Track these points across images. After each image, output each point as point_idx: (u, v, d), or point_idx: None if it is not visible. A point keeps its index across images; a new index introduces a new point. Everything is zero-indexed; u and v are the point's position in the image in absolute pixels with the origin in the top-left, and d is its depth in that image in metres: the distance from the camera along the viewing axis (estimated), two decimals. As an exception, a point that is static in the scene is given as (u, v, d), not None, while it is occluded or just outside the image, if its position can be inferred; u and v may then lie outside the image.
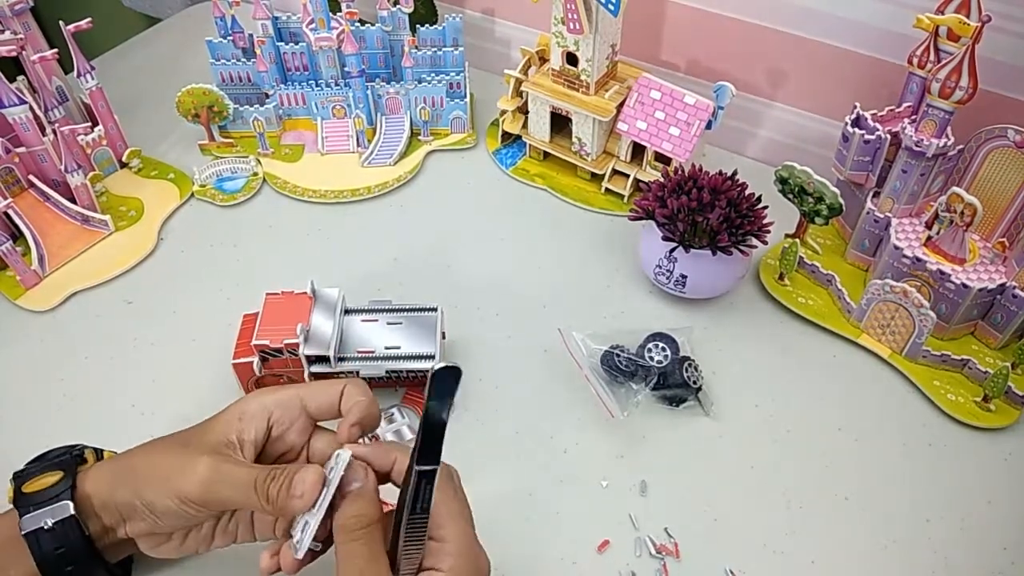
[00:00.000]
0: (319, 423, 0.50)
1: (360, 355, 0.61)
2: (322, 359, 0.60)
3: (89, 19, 0.78)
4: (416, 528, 0.41)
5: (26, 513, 0.46)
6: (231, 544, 0.50)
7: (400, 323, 0.64)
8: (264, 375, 0.62)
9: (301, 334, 0.59)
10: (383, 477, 0.46)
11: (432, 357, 0.61)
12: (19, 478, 0.48)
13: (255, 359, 0.61)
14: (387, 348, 0.62)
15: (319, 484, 0.43)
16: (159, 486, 0.45)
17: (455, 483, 0.46)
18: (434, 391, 0.38)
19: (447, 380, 0.38)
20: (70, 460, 0.49)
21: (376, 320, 0.64)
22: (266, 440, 0.48)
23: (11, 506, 0.47)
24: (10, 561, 0.46)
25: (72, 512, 0.46)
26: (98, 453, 0.52)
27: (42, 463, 0.49)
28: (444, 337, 0.65)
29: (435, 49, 0.90)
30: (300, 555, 0.43)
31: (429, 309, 0.64)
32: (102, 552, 0.48)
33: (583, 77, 0.78)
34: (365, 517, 0.42)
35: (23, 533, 0.46)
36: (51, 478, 0.48)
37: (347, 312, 0.64)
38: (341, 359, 0.61)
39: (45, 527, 0.46)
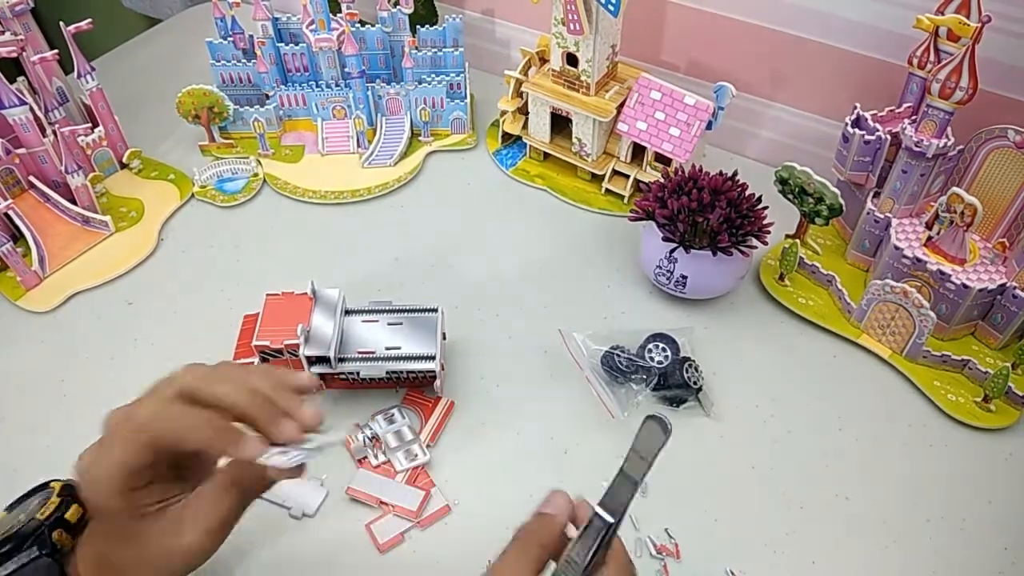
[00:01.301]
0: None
1: (360, 355, 0.61)
2: (322, 360, 0.60)
3: (89, 20, 0.78)
4: (568, 569, 0.41)
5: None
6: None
7: (401, 324, 0.64)
8: None
9: (301, 335, 0.59)
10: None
11: (432, 358, 0.61)
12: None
13: (255, 360, 0.61)
14: (388, 348, 0.62)
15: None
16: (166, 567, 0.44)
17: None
18: (641, 442, 0.37)
19: (656, 434, 0.37)
20: (40, 504, 0.46)
21: (376, 321, 0.64)
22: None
23: None
24: None
25: (38, 553, 0.44)
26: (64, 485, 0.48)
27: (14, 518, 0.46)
28: (445, 338, 0.65)
29: (435, 50, 0.90)
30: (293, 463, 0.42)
31: (430, 310, 0.64)
32: None
33: (583, 78, 0.78)
34: (545, 533, 0.43)
35: None
36: (49, 506, 0.45)
37: (347, 313, 0.64)
38: (341, 360, 0.61)
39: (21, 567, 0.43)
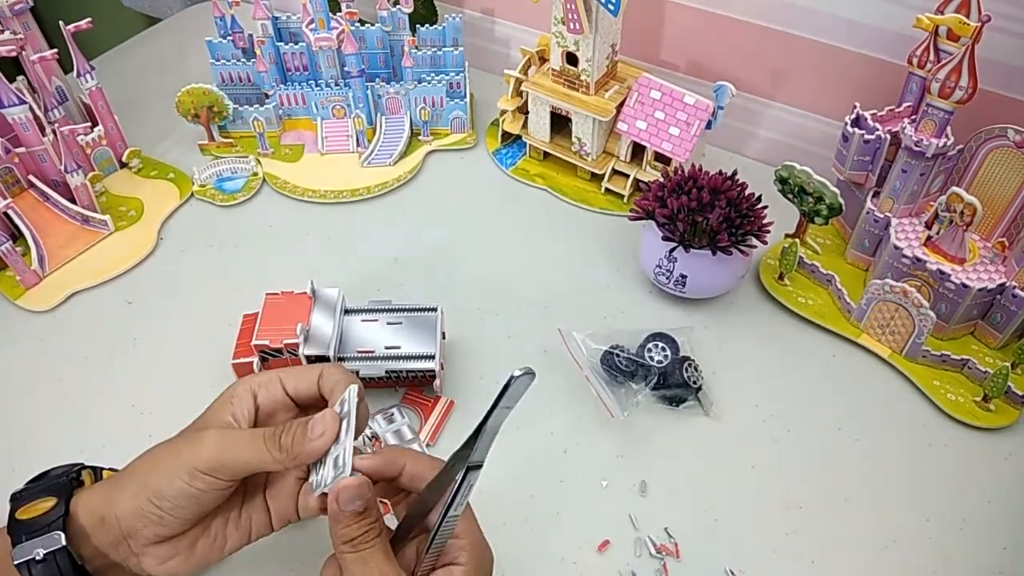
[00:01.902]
0: (303, 406, 0.50)
1: (360, 355, 0.61)
2: (322, 359, 0.60)
3: (89, 19, 0.78)
4: (449, 526, 0.42)
5: (18, 542, 0.45)
6: (245, 544, 0.49)
7: (400, 323, 0.64)
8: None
9: (301, 334, 0.59)
10: (391, 482, 0.46)
11: (432, 357, 0.61)
12: (15, 500, 0.47)
13: (255, 359, 0.61)
14: (387, 348, 0.62)
15: (336, 421, 0.44)
16: (167, 467, 0.45)
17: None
18: (506, 395, 0.38)
19: (521, 387, 0.38)
20: (65, 483, 0.48)
21: (376, 320, 0.64)
22: (255, 420, 0.48)
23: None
24: None
25: (63, 543, 0.45)
26: (96, 473, 0.50)
27: (38, 485, 0.48)
28: (444, 337, 0.65)
29: (435, 49, 0.90)
30: (324, 490, 0.43)
31: (429, 309, 0.64)
32: (99, 573, 0.47)
33: (583, 77, 0.78)
34: (373, 531, 0.43)
35: (15, 563, 0.45)
36: (44, 504, 0.47)
37: (347, 312, 0.64)
38: (341, 359, 0.61)
39: (36, 558, 0.45)
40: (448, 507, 0.42)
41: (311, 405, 0.49)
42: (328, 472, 0.43)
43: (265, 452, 0.45)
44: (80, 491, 0.48)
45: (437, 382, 0.63)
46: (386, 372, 0.62)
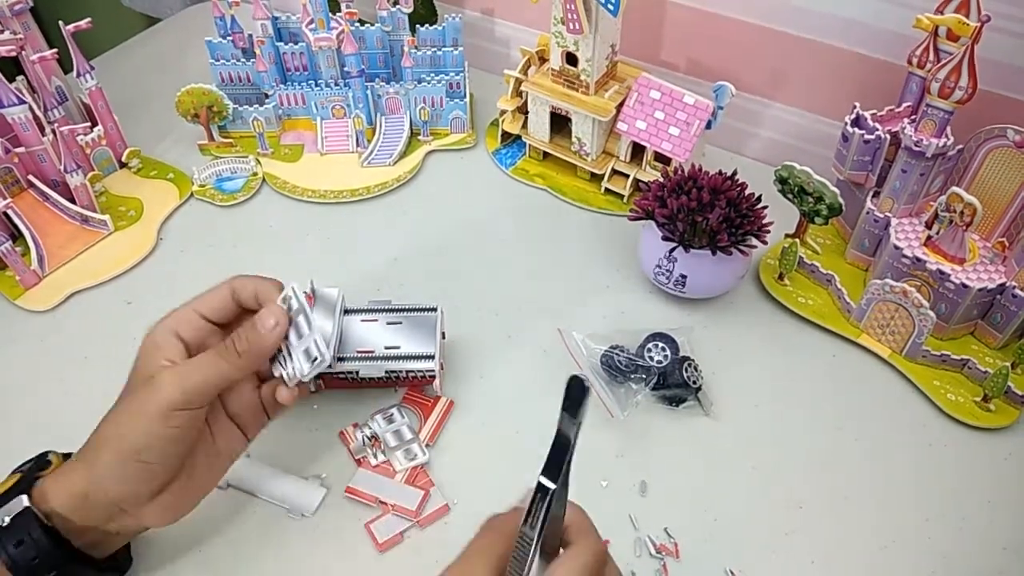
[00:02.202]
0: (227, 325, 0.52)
1: (359, 355, 0.61)
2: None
3: (89, 19, 0.78)
4: (522, 546, 0.39)
5: None
6: (230, 464, 0.52)
7: (400, 323, 0.63)
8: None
9: None
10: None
11: (431, 357, 0.61)
12: None
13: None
14: (387, 348, 0.62)
15: (283, 312, 0.49)
16: (138, 422, 0.46)
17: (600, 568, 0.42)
18: (567, 402, 0.37)
19: (577, 392, 0.37)
20: (32, 465, 0.50)
21: (376, 320, 0.64)
22: (189, 355, 0.49)
23: None
24: None
25: (26, 504, 0.46)
26: (64, 457, 0.51)
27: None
28: (444, 337, 0.65)
29: (435, 49, 0.90)
30: (302, 377, 0.47)
31: (429, 309, 0.64)
32: (88, 548, 0.48)
33: (583, 77, 0.78)
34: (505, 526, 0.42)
35: None
36: (8, 482, 0.48)
37: (347, 312, 0.64)
38: (340, 359, 0.61)
39: (3, 524, 0.45)
40: (521, 521, 0.39)
41: (234, 322, 0.52)
42: (302, 364, 0.48)
43: (225, 364, 0.48)
44: (51, 474, 0.49)
45: (436, 382, 0.63)
46: (385, 372, 0.62)
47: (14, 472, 0.50)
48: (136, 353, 0.50)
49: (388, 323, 0.63)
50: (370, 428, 0.62)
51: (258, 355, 0.49)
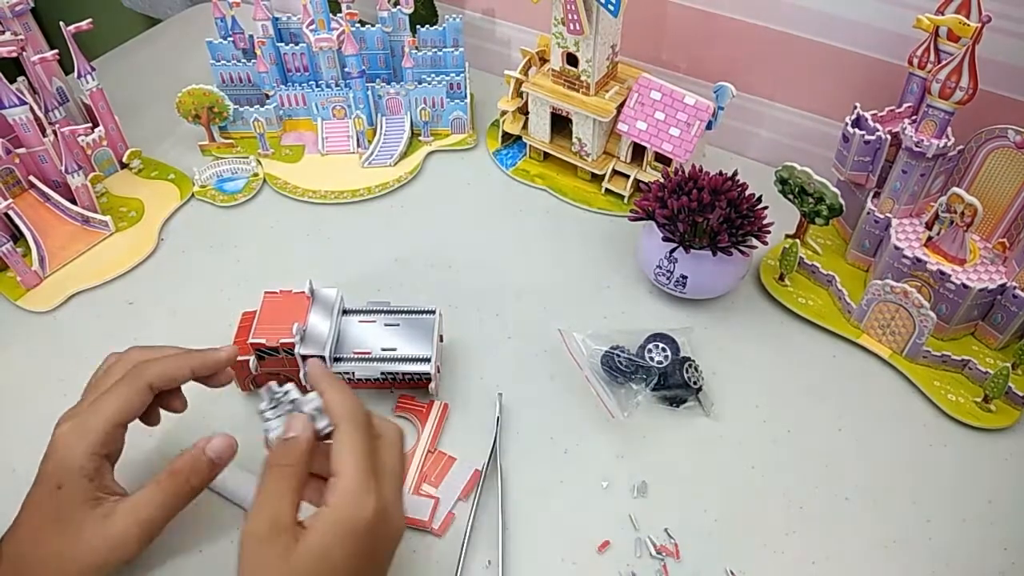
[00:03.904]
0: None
1: (356, 356, 0.61)
2: (318, 359, 0.60)
3: (89, 20, 0.78)
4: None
5: None
6: None
7: (398, 324, 0.63)
8: (260, 373, 0.62)
9: (297, 334, 0.59)
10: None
11: (428, 360, 0.61)
12: None
13: (251, 357, 0.61)
14: (383, 349, 0.62)
15: (227, 438, 0.52)
16: (95, 566, 0.47)
17: (375, 432, 0.47)
18: None
19: None
20: None
21: (374, 321, 0.64)
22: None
23: None
24: None
25: None
26: None
27: None
28: (442, 340, 0.65)
29: (435, 50, 0.90)
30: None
31: (427, 311, 0.64)
32: None
33: (583, 78, 0.78)
34: (289, 455, 0.45)
35: None
36: None
37: (345, 312, 0.64)
38: (337, 359, 0.61)
39: None
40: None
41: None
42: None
43: (178, 498, 0.49)
44: None
45: (433, 385, 0.63)
46: (381, 374, 0.62)
47: None
48: (48, 456, 0.49)
49: (386, 324, 0.63)
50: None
51: (206, 484, 0.51)
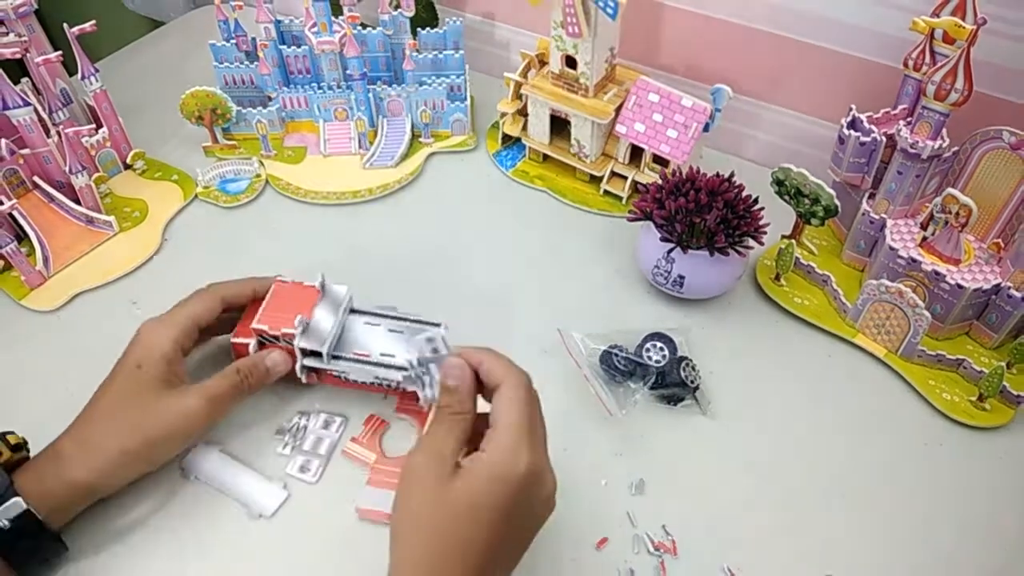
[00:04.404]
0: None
1: (355, 357, 0.61)
2: (316, 354, 0.60)
3: (93, 22, 0.79)
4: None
5: None
6: None
7: (401, 332, 0.62)
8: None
9: (299, 326, 0.59)
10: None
11: None
12: None
13: (252, 341, 0.61)
14: (382, 355, 0.61)
15: (285, 356, 0.61)
16: (156, 422, 0.54)
17: (535, 395, 0.48)
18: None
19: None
20: None
21: (379, 325, 0.63)
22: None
23: None
24: None
25: (25, 507, 0.49)
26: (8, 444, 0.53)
27: None
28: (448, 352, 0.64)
29: (436, 52, 0.91)
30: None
31: (433, 324, 0.63)
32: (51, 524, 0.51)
33: (582, 80, 0.79)
34: (455, 402, 0.48)
35: None
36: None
37: (353, 311, 0.64)
38: (336, 357, 0.61)
39: (4, 528, 0.48)
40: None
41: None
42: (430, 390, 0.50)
43: (239, 390, 0.58)
44: (39, 464, 0.52)
45: (424, 397, 0.61)
46: (375, 379, 0.61)
47: None
48: (133, 344, 0.57)
49: (389, 330, 0.62)
50: (305, 421, 0.63)
51: (261, 385, 0.60)
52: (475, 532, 0.43)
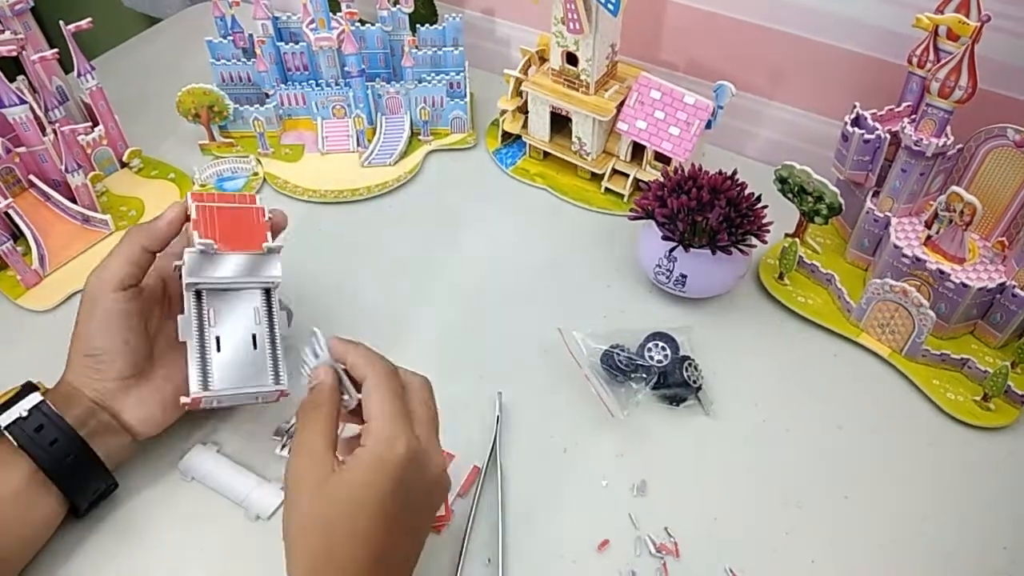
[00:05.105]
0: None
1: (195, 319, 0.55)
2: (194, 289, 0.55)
3: (89, 19, 0.78)
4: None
5: None
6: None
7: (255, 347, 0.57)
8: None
9: (200, 247, 0.55)
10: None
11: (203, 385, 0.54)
12: None
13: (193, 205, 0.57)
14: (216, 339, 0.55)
15: (180, 206, 0.57)
16: (81, 319, 0.56)
17: (402, 382, 0.49)
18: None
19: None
20: (23, 385, 0.55)
21: (259, 324, 0.57)
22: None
23: None
24: (4, 466, 0.51)
25: (41, 398, 0.52)
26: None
27: None
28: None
29: (435, 49, 0.90)
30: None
31: (277, 377, 0.56)
32: (92, 447, 0.53)
33: (583, 77, 0.78)
34: (316, 398, 0.48)
35: (5, 427, 0.51)
36: (10, 392, 0.54)
37: (266, 292, 0.58)
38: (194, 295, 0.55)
39: (23, 416, 0.51)
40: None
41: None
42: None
43: (133, 245, 0.56)
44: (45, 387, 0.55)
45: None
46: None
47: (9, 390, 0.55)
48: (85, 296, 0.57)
49: (254, 334, 0.57)
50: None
51: (158, 237, 0.56)
52: (362, 523, 0.43)
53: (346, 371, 0.50)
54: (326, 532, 0.43)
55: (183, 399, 0.53)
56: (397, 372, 0.50)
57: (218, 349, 0.55)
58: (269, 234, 0.59)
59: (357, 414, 0.49)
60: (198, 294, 0.56)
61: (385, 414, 0.46)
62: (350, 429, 0.52)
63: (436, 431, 0.49)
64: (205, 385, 0.53)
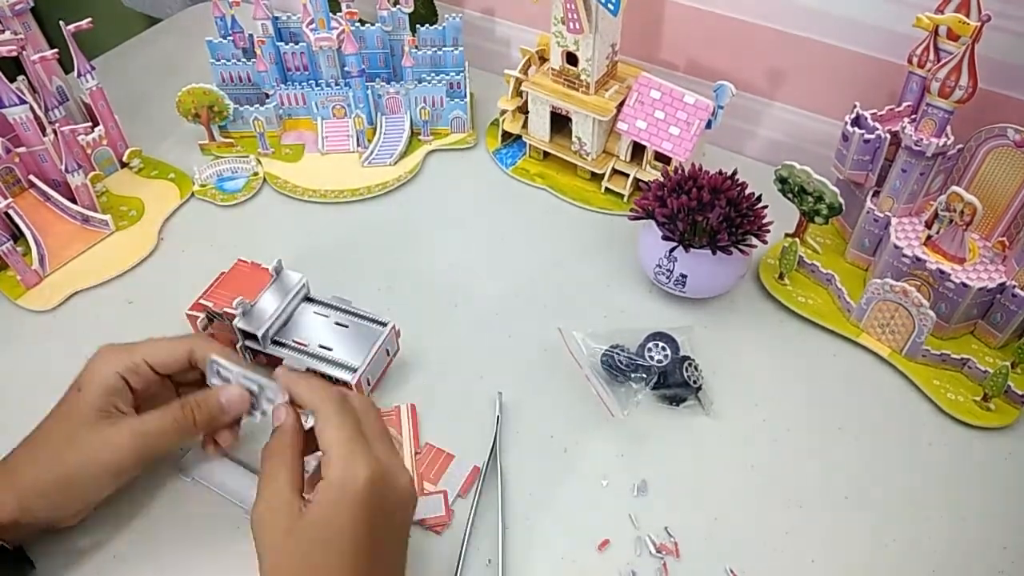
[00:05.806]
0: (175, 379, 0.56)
1: (294, 344, 0.61)
2: (252, 336, 0.61)
3: (89, 19, 0.78)
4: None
5: None
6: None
7: (346, 327, 0.63)
8: (212, 332, 0.64)
9: (238, 307, 0.60)
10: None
11: (354, 370, 0.60)
12: None
13: (201, 315, 0.62)
14: (320, 347, 0.61)
15: (245, 392, 0.52)
16: (84, 461, 0.49)
17: (350, 406, 0.48)
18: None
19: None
20: None
21: (327, 316, 0.63)
22: (136, 406, 0.53)
23: None
24: None
25: None
26: None
27: None
28: (391, 354, 0.65)
29: (435, 49, 0.90)
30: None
31: (379, 323, 0.63)
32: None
33: (583, 77, 0.78)
34: (278, 442, 0.48)
35: None
36: None
37: (308, 299, 0.64)
38: (275, 343, 0.61)
39: None
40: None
41: (181, 375, 0.55)
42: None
43: (179, 433, 0.51)
44: None
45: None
46: (307, 369, 0.60)
47: None
48: (85, 366, 0.53)
49: (336, 323, 0.63)
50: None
51: (211, 427, 0.53)
52: (338, 557, 0.43)
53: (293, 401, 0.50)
54: (305, 573, 0.43)
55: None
56: (347, 398, 0.49)
57: None
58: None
59: (314, 442, 0.49)
60: None
61: (338, 442, 0.45)
62: (309, 463, 0.51)
63: (393, 445, 0.49)
64: None
